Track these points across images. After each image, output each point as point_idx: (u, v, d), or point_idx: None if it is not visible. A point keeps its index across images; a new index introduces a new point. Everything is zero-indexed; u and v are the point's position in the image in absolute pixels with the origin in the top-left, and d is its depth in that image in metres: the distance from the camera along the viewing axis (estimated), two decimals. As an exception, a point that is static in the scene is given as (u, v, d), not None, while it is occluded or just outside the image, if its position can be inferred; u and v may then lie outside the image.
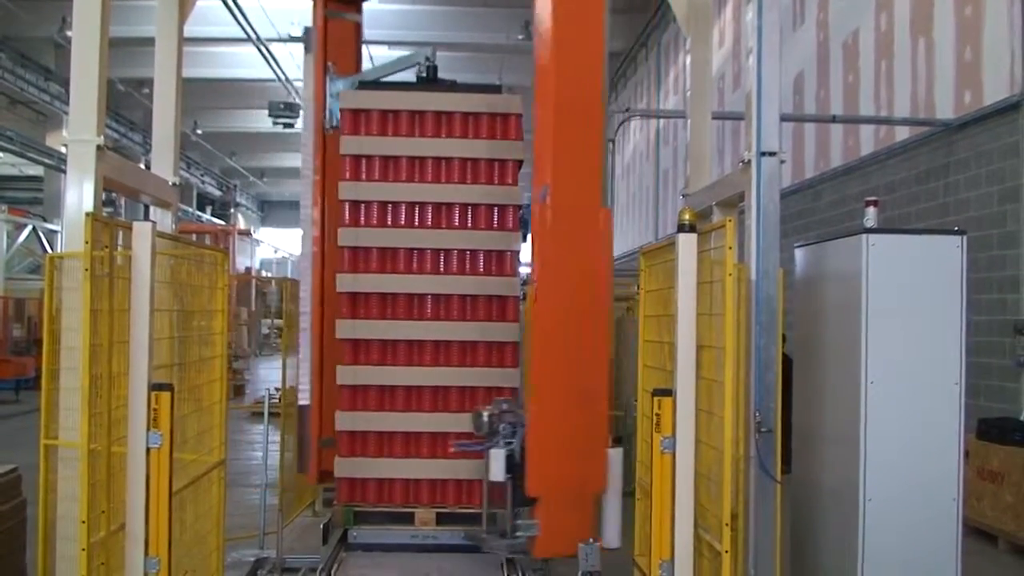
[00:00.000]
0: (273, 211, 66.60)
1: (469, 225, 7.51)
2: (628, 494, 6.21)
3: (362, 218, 7.47)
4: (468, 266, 7.52)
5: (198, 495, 5.77)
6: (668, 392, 4.85)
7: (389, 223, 7.47)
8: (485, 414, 6.52)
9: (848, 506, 5.96)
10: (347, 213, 7.46)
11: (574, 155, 5.67)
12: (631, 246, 29.82)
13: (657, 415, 4.81)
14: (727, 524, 4.62)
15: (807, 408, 6.78)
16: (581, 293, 5.58)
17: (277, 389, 10.44)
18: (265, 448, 9.87)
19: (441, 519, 7.25)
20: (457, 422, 7.39)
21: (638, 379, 6.12)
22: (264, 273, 54.34)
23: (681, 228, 4.91)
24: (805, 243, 7.05)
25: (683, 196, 7.79)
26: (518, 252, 7.57)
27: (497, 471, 6.19)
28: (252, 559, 8.59)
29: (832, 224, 15.62)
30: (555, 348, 5.63)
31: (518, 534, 6.11)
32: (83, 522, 4.31)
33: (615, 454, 5.89)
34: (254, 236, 55.81)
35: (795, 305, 7.03)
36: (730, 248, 4.70)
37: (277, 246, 60.70)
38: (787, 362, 5.88)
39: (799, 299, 6.99)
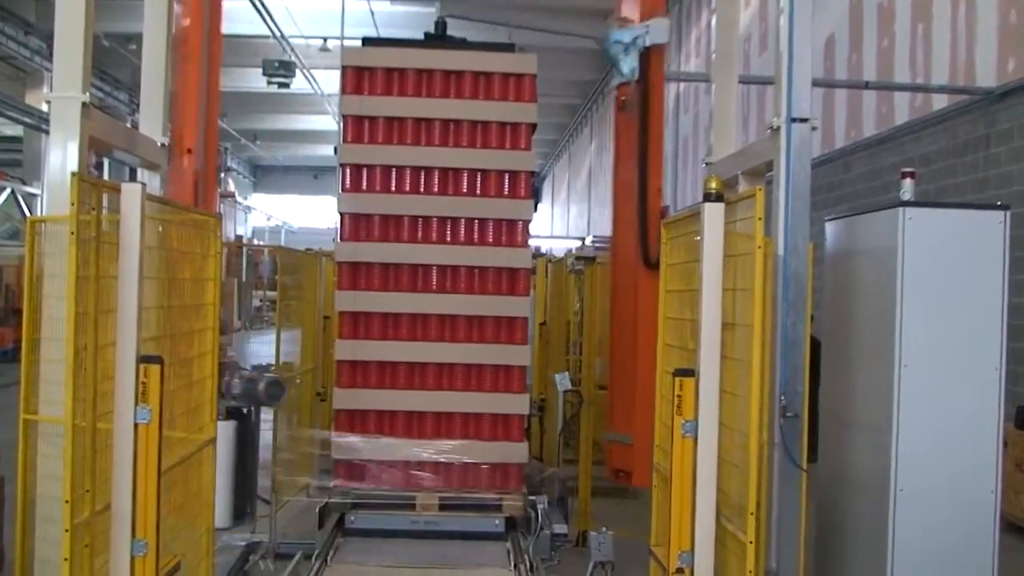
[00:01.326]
0: (267, 176, 66.55)
1: (478, 192, 7.49)
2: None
3: (364, 183, 7.46)
4: (476, 236, 7.52)
5: (188, 475, 5.76)
6: (691, 372, 4.82)
7: (393, 189, 7.46)
8: None
9: (878, 497, 5.94)
10: (347, 178, 7.44)
11: None
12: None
13: (678, 397, 4.79)
14: (752, 513, 4.60)
15: (835, 393, 6.75)
16: None
17: (270, 365, 10.44)
18: (257, 427, 9.87)
19: (444, 505, 7.27)
20: (463, 401, 7.41)
21: (658, 360, 6.09)
22: (256, 242, 54.34)
23: (707, 197, 4.87)
24: (836, 216, 7.00)
25: (705, 164, 7.75)
26: (529, 221, 7.56)
27: None
28: (243, 543, 8.61)
29: (862, 197, 15.56)
30: None
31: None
32: (66, 502, 4.29)
33: None
34: (245, 202, 55.78)
35: (824, 283, 6.99)
36: (760, 219, 4.66)
37: (270, 213, 60.69)
38: (814, 344, 5.85)
39: (829, 276, 6.95)
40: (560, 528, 7.30)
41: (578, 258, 11.44)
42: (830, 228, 7.01)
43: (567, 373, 9.94)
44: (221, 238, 6.23)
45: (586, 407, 9.84)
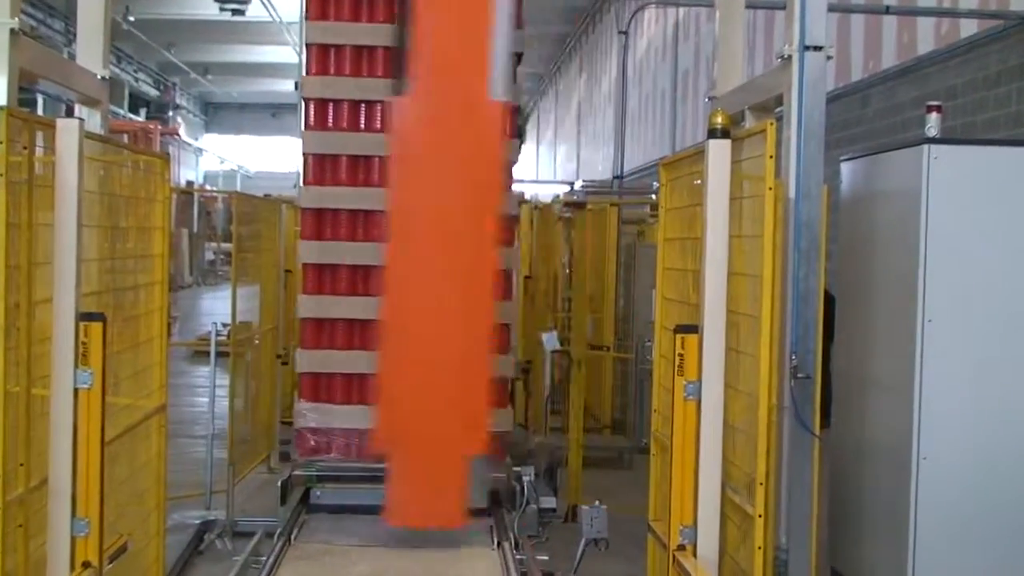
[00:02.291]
0: (220, 115, 66.14)
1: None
2: (643, 450, 6.24)
3: (330, 120, 7.43)
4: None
5: (135, 446, 5.76)
6: (693, 329, 4.82)
7: (362, 127, 7.43)
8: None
9: (898, 466, 5.96)
10: (311, 115, 7.42)
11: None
12: (643, 160, 29.70)
13: (680, 356, 4.79)
14: (761, 483, 4.62)
15: (851, 351, 6.76)
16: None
17: (225, 325, 10.43)
18: (212, 393, 9.88)
19: (420, 477, 7.27)
20: (440, 363, 7.38)
21: (656, 315, 6.09)
22: (208, 188, 54.12)
23: (712, 133, 4.84)
24: (853, 156, 6.98)
25: (709, 99, 7.70)
26: (514, 163, 7.52)
27: None
28: (198, 521, 8.65)
29: (881, 136, 15.52)
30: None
31: None
32: (-2, 477, 4.27)
33: None
34: (196, 143, 55.49)
35: (839, 230, 6.97)
36: (771, 158, 4.64)
37: (224, 156, 60.39)
38: (828, 299, 5.84)
39: (844, 223, 6.94)
40: (548, 502, 7.31)
41: (567, 204, 11.43)
42: (846, 169, 6.99)
43: (555, 332, 9.95)
44: (170, 182, 6.19)
45: (576, 369, 9.84)
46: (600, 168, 35.00)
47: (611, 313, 12.76)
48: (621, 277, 13.17)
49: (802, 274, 5.72)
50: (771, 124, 4.65)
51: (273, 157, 63.13)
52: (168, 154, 6.48)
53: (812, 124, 5.72)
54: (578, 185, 19.95)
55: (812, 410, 5.52)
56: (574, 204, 10.84)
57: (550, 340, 9.51)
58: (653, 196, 17.38)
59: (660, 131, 30.04)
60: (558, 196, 16.31)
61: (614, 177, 17.51)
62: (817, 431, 5.50)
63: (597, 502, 6.81)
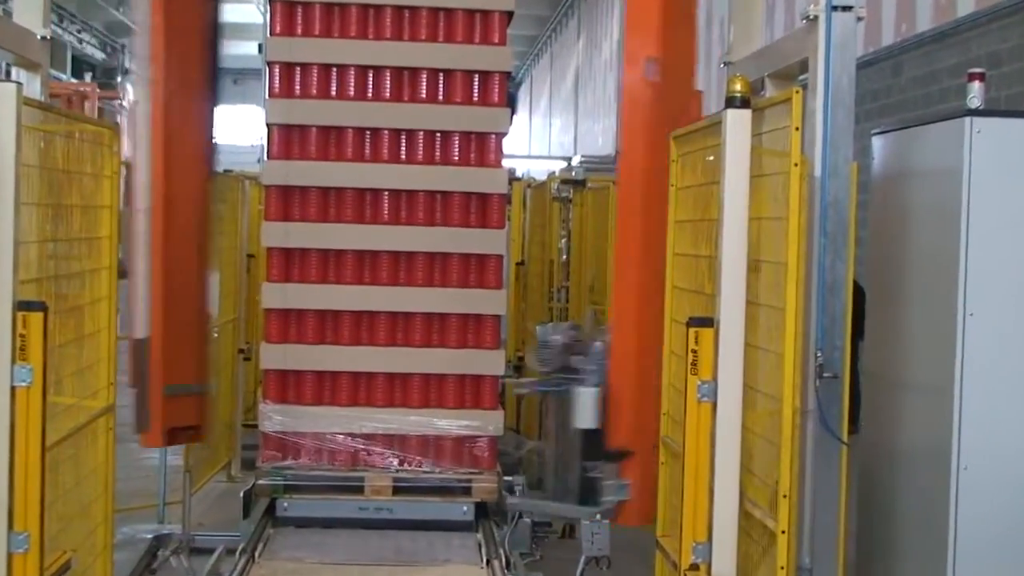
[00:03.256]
0: (174, 81, 65.96)
1: (441, 99, 7.45)
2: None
3: (297, 87, 7.41)
4: (439, 154, 7.48)
5: (80, 451, 5.71)
6: (709, 322, 4.80)
7: (334, 94, 7.42)
8: (557, 338, 6.64)
9: (936, 476, 5.95)
10: (276, 80, 7.41)
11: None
12: (648, 134, 29.62)
13: (693, 352, 4.78)
14: (785, 496, 4.61)
15: (882, 348, 6.76)
16: None
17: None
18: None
19: (399, 488, 7.27)
20: (422, 360, 7.39)
21: (665, 307, 6.08)
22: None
23: (730, 102, 4.82)
24: (885, 130, 6.98)
25: (724, 65, 7.68)
26: (505, 135, 7.51)
27: (586, 416, 6.55)
28: (150, 536, 8.61)
29: (915, 107, 15.54)
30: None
31: (606, 498, 6.35)
32: (-77, 485, 4.25)
33: None
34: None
35: (870, 214, 6.97)
36: (797, 129, 4.63)
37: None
38: (856, 290, 5.83)
39: (875, 205, 6.93)
40: (543, 516, 7.30)
41: (564, 182, 11.41)
42: (878, 144, 6.98)
43: (551, 325, 9.93)
44: (119, 155, 6.16)
45: (575, 366, 9.81)
46: (600, 142, 35.01)
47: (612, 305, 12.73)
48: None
49: (828, 261, 5.70)
50: (797, 92, 4.64)
51: (234, 128, 63.02)
52: (117, 124, 6.43)
53: (840, 93, 5.70)
54: (576, 160, 19.94)
55: (839, 414, 5.51)
56: (572, 182, 10.81)
57: (546, 334, 9.48)
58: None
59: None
60: (553, 173, 16.28)
61: (617, 152, 17.53)
62: (845, 437, 5.50)
63: (598, 515, 6.80)
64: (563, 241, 14.06)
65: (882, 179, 6.84)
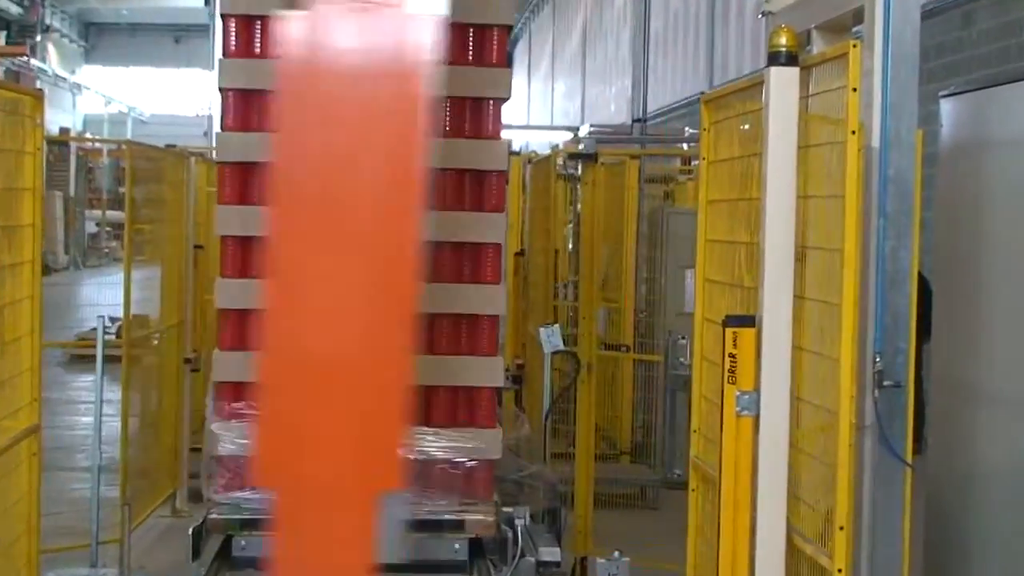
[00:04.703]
0: (104, 40, 65.99)
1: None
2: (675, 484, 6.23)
3: (257, 44, 7.39)
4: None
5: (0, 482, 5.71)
6: (750, 321, 4.79)
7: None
8: None
9: (1020, 501, 5.97)
10: (232, 36, 7.38)
11: None
12: (670, 98, 29.75)
13: (732, 357, 4.77)
14: (842, 528, 4.60)
15: (954, 353, 6.77)
16: None
17: (114, 320, 10.39)
18: (98, 410, 9.82)
19: (379, 521, 7.26)
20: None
21: (696, 303, 6.07)
22: (91, 136, 53.96)
23: (774, 59, 4.82)
24: (957, 91, 6.99)
25: (763, 15, 7.69)
26: (505, 100, 7.51)
27: None
28: (80, 581, 8.62)
29: (989, 65, 15.54)
30: None
31: None
32: None
33: None
34: (72, 78, 55.30)
35: (937, 192, 6.98)
36: (854, 90, 4.62)
37: (110, 95, 60.26)
38: (921, 285, 5.83)
39: (944, 181, 6.95)
40: (550, 554, 7.29)
41: (572, 156, 11.38)
42: (947, 108, 6.98)
43: (557, 326, 9.94)
44: (43, 127, 6.15)
45: (585, 375, 9.82)
46: (612, 109, 35.02)
47: (631, 302, 12.75)
48: (643, 254, 13.15)
49: (889, 249, 5.69)
50: (854, 46, 4.63)
51: (176, 96, 62.97)
52: (41, 91, 6.42)
53: (902, 47, 5.70)
54: (584, 131, 19.93)
55: (903, 430, 5.51)
56: (582, 156, 10.76)
57: (551, 338, 9.49)
58: (686, 146, 17.39)
59: (692, 61, 30.05)
60: (557, 146, 16.27)
61: (634, 121, 17.54)
62: (909, 457, 5.50)
63: (617, 553, 6.81)
64: (569, 227, 14.06)
65: (952, 150, 6.85)
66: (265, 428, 5.32)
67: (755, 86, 5.29)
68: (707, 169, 6.10)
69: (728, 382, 4.83)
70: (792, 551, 4.97)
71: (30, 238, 6.07)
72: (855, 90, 4.65)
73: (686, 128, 21.76)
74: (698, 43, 29.89)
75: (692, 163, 16.25)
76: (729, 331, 4.83)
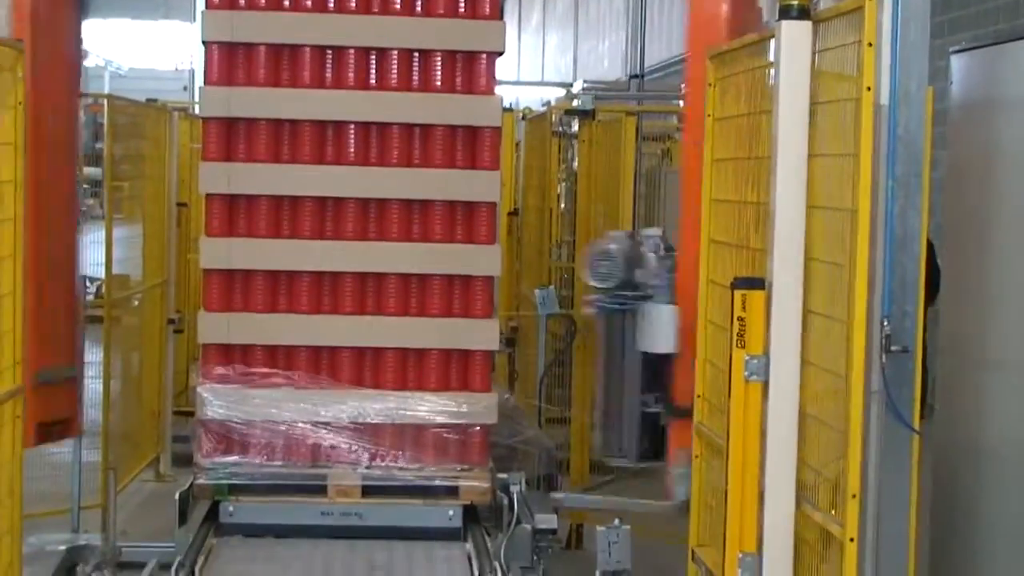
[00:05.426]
0: (88, -10, 65.59)
1: (419, 9, 7.39)
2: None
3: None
4: (417, 77, 7.43)
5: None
6: (759, 283, 4.78)
7: (287, 4, 7.37)
8: (616, 247, 6.71)
9: (1031, 471, 5.97)
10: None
11: None
12: (666, 54, 29.66)
13: (740, 320, 4.76)
14: (854, 496, 4.60)
15: (962, 318, 6.75)
16: None
17: (92, 280, 10.36)
18: (80, 372, 9.77)
19: (370, 488, 7.25)
20: (399, 332, 7.35)
21: (700, 264, 6.07)
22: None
23: (785, 12, 4.79)
24: (968, 47, 6.95)
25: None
26: (499, 54, 7.48)
27: (663, 337, 6.66)
28: (63, 547, 8.56)
29: (1002, 18, 15.49)
30: None
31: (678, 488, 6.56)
32: None
33: None
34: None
35: (947, 151, 6.95)
36: (870, 45, 4.60)
37: (85, 48, 59.99)
38: (927, 248, 5.81)
39: (954, 140, 6.91)
40: (546, 521, 7.29)
41: (568, 112, 11.34)
42: (958, 64, 6.94)
43: (552, 288, 9.93)
44: (25, 80, 6.11)
45: (581, 339, 9.80)
46: (606, 64, 34.87)
47: (627, 262, 12.71)
48: (640, 213, 13.13)
49: (898, 209, 5.66)
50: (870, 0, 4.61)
51: (154, 49, 62.69)
52: (22, 42, 6.36)
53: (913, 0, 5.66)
54: (578, 87, 19.86)
55: (910, 396, 5.49)
56: (579, 113, 10.73)
57: (546, 300, 9.48)
58: (681, 103, 17.32)
59: (679, 15, 29.88)
60: (548, 103, 16.21)
61: (631, 76, 17.48)
62: (916, 424, 5.49)
63: (617, 520, 6.79)
64: (562, 185, 14.02)
65: (962, 108, 6.81)
66: None
67: (765, 40, 5.26)
68: (712, 126, 6.08)
69: (736, 346, 4.81)
70: (801, 518, 4.97)
71: (11, 196, 6.01)
72: (871, 45, 4.62)
73: (680, 84, 21.67)
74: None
75: (688, 119, 16.22)
76: (738, 293, 4.81)
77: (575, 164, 14.44)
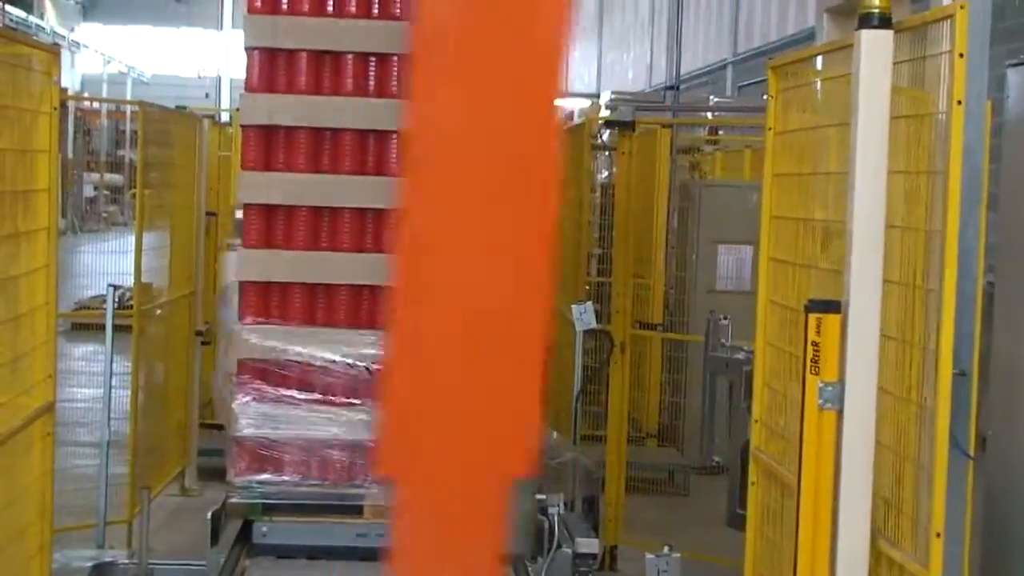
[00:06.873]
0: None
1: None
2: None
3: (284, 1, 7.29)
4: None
5: (13, 464, 5.68)
6: (836, 306, 4.64)
7: (330, 11, 7.30)
8: None
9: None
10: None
11: None
12: (694, 65, 29.70)
13: (815, 346, 4.62)
14: (939, 535, 4.50)
15: (1017, 336, 6.69)
16: None
17: (116, 287, 10.30)
18: (107, 383, 9.72)
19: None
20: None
21: (759, 284, 5.99)
22: (87, 96, 54.08)
23: (866, 21, 4.66)
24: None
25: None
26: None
27: None
28: (89, 564, 8.48)
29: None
30: None
31: None
32: None
33: None
34: (70, 36, 55.40)
35: (1003, 165, 6.91)
36: (961, 56, 4.50)
37: (109, 54, 60.39)
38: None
39: (1011, 154, 6.88)
40: (588, 545, 7.20)
41: (609, 124, 11.17)
42: (1015, 78, 6.90)
43: (589, 303, 9.79)
44: (59, 85, 6.07)
45: (619, 355, 9.70)
46: (630, 76, 34.97)
47: (660, 279, 12.62)
48: (673, 227, 13.03)
49: (959, 225, 5.59)
50: (961, 7, 4.51)
51: (177, 56, 63.13)
52: (58, 47, 6.29)
53: (975, 9, 5.58)
54: (605, 98, 19.86)
55: (967, 421, 5.41)
56: (619, 124, 10.58)
57: (583, 315, 9.33)
58: (709, 115, 17.24)
59: (716, 28, 29.99)
60: (573, 113, 16.17)
61: (667, 88, 17.42)
62: (972, 450, 5.40)
63: (667, 548, 6.72)
64: (593, 197, 13.88)
65: (1019, 122, 6.79)
66: (388, 415, 5.13)
67: (833, 51, 5.15)
68: (772, 140, 6.01)
69: (811, 372, 4.69)
70: (876, 555, 4.83)
71: (45, 204, 6.03)
72: (962, 56, 4.54)
73: (711, 97, 21.63)
74: (722, 9, 29.87)
75: (718, 132, 16.18)
76: (812, 317, 4.69)
77: (603, 175, 14.35)
